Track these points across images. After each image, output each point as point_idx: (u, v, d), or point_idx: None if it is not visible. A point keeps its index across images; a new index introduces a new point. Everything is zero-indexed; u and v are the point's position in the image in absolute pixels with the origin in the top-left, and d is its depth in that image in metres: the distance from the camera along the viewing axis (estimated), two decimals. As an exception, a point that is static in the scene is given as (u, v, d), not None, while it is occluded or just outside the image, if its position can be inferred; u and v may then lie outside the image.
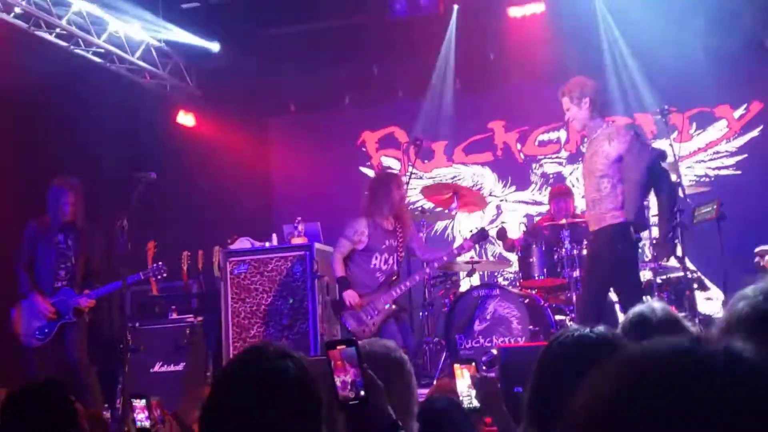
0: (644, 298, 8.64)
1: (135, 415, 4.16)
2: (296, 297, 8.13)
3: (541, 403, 2.26)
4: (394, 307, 7.60)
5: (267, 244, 8.63)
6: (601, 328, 2.35)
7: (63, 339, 7.57)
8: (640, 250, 8.63)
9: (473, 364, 3.46)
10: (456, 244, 9.08)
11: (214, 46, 10.91)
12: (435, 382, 7.18)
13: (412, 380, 2.83)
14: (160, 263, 8.11)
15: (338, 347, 2.37)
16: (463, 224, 10.76)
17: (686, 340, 0.97)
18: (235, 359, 2.24)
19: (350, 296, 7.49)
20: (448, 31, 10.74)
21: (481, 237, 7.92)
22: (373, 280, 7.61)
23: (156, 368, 8.37)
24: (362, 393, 2.34)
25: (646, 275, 8.78)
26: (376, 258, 7.62)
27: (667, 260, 6.61)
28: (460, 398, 3.44)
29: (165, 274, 8.20)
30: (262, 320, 8.18)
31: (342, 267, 7.61)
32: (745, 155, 10.47)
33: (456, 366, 3.50)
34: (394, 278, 7.64)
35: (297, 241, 8.44)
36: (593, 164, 6.43)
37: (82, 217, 7.72)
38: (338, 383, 2.35)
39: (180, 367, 8.37)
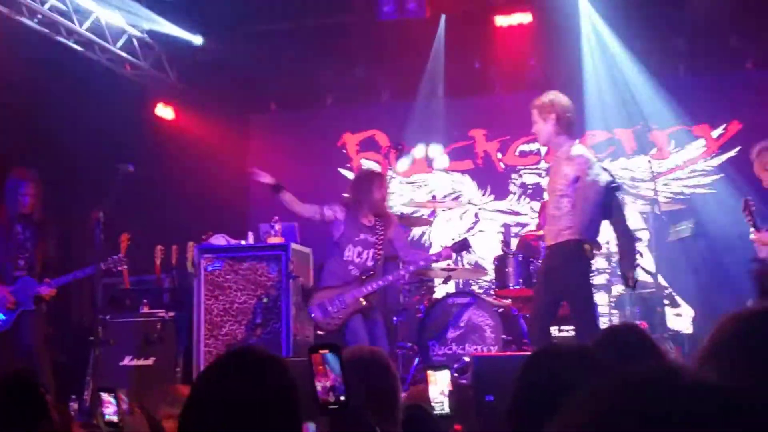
0: (612, 311, 8.71)
1: (103, 408, 4.11)
2: (270, 296, 8.08)
3: (523, 416, 2.26)
4: (364, 303, 7.55)
5: (243, 242, 8.58)
6: (582, 343, 2.36)
7: (19, 326, 7.54)
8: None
9: (447, 370, 3.46)
10: (434, 251, 9.08)
11: (197, 39, 10.85)
12: (409, 389, 7.17)
13: (398, 386, 2.83)
14: (121, 255, 8.06)
15: (321, 351, 2.37)
16: (441, 231, 10.77)
17: (665, 371, 0.97)
18: (217, 362, 2.22)
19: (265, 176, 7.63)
20: (435, 37, 10.72)
21: (462, 247, 7.91)
22: (346, 273, 7.55)
23: (125, 362, 8.32)
24: (342, 398, 2.33)
25: (618, 290, 8.85)
26: (350, 250, 7.57)
27: (634, 286, 6.68)
28: (432, 404, 3.44)
29: (125, 266, 8.15)
30: (235, 318, 8.13)
31: (295, 203, 7.66)
32: (722, 175, 10.54)
33: (429, 372, 3.50)
34: (368, 275, 7.59)
35: (273, 240, 8.41)
36: (554, 183, 6.53)
37: (40, 209, 7.69)
38: (319, 387, 2.34)
39: (150, 361, 8.33)
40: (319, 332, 7.75)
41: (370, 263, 7.60)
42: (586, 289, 6.56)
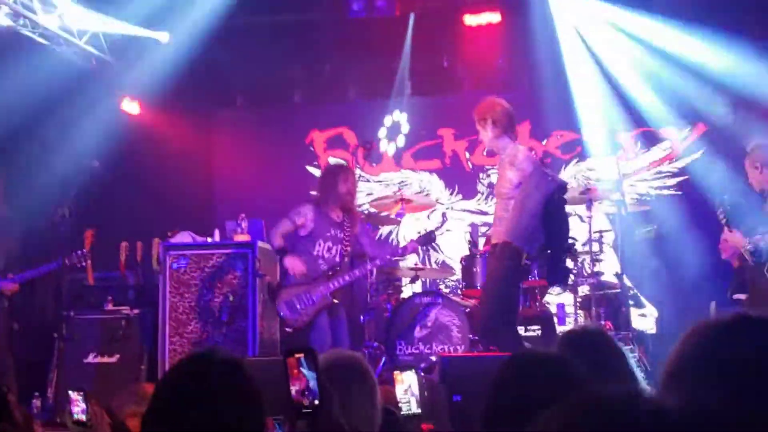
0: (578, 311, 8.74)
1: (71, 407, 4.07)
2: (236, 294, 8.04)
3: (498, 423, 2.27)
4: (334, 300, 7.53)
5: (209, 240, 8.53)
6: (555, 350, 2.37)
7: None
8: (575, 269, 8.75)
9: (413, 370, 3.46)
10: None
11: (163, 37, 10.77)
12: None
13: (376, 391, 2.83)
14: (85, 250, 7.99)
15: (296, 355, 2.38)
16: (409, 230, 10.77)
17: (627, 397, 1.04)
18: (180, 363, 2.21)
19: (292, 263, 7.45)
20: (406, 35, 10.70)
21: (427, 240, 7.94)
22: (315, 268, 7.55)
23: (89, 359, 8.25)
24: (316, 402, 2.34)
25: (583, 290, 8.90)
26: (320, 245, 7.57)
27: (563, 288, 6.74)
28: (399, 405, 3.45)
29: (89, 262, 8.08)
30: (200, 316, 8.08)
31: (281, 241, 7.57)
32: (687, 177, 10.64)
33: (395, 372, 3.50)
34: (335, 270, 7.58)
35: (240, 238, 8.36)
36: (500, 187, 6.64)
37: (2, 204, 7.60)
38: (293, 391, 2.35)
39: (114, 359, 8.27)
40: (287, 329, 7.72)
41: (338, 259, 7.61)
42: (496, 284, 6.57)
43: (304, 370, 2.35)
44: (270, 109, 11.83)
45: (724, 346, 1.66)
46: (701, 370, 1.65)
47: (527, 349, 2.31)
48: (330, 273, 7.53)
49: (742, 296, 7.85)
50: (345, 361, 2.77)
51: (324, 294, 7.48)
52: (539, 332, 8.70)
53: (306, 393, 2.34)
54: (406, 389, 3.42)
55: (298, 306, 7.42)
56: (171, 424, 2.05)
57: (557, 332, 8.80)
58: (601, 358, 2.96)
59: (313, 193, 7.82)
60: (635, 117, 10.50)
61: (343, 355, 2.84)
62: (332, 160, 11.52)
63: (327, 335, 7.45)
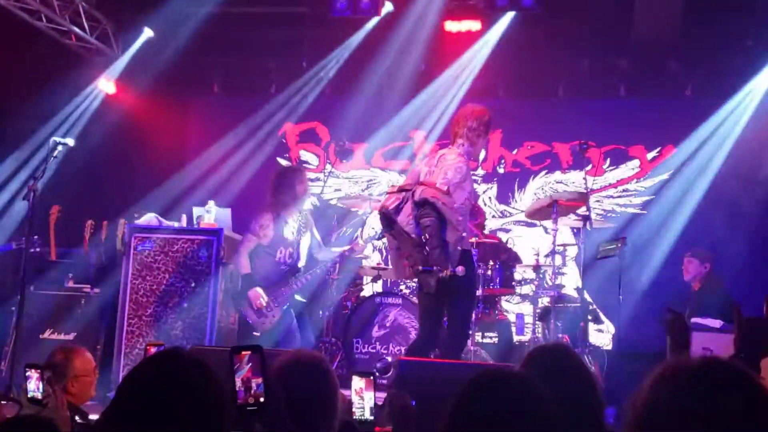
0: (536, 323, 8.83)
1: (28, 384, 4.07)
2: (198, 281, 8.03)
3: None
4: (302, 300, 7.56)
5: (176, 224, 8.51)
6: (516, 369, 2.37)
7: None
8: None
9: (372, 377, 3.48)
10: (367, 250, 9.11)
11: (148, 33, 10.76)
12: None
13: (337, 393, 2.85)
14: (35, 237, 7.95)
15: (243, 353, 2.38)
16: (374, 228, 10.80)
17: None
18: (142, 365, 2.21)
19: (255, 297, 7.39)
20: (387, 36, 10.69)
21: (373, 237, 7.94)
22: (278, 274, 7.56)
23: (46, 335, 8.21)
24: (262, 400, 2.35)
25: (543, 302, 8.98)
26: (281, 252, 7.56)
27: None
28: (354, 409, 3.47)
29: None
30: (161, 300, 8.05)
31: (247, 263, 7.50)
32: (653, 196, 10.76)
33: (354, 377, 3.52)
34: (297, 272, 7.60)
35: (206, 224, 8.36)
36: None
37: None
38: (239, 389, 2.35)
39: (71, 336, 8.23)
40: (254, 333, 7.71)
41: (299, 261, 7.62)
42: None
43: (251, 368, 2.36)
44: (245, 98, 11.78)
45: (695, 398, 1.67)
46: (673, 421, 1.65)
47: (490, 368, 2.25)
48: (294, 275, 7.53)
49: (700, 320, 7.98)
50: (308, 360, 2.78)
51: (288, 295, 7.49)
52: (496, 339, 8.78)
53: (252, 390, 2.34)
54: (362, 395, 3.44)
55: (264, 310, 7.42)
56: (132, 423, 2.05)
57: (514, 341, 8.89)
58: (567, 377, 2.97)
59: (268, 193, 7.69)
60: (606, 133, 10.61)
61: (306, 354, 2.85)
62: (303, 155, 11.54)
63: (294, 337, 7.46)
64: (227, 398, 2.13)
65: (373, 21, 10.45)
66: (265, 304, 7.39)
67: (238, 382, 2.36)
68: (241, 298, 7.53)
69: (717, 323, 7.80)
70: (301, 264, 7.66)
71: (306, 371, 2.59)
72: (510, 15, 10.12)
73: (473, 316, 7.66)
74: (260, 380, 2.36)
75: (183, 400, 2.04)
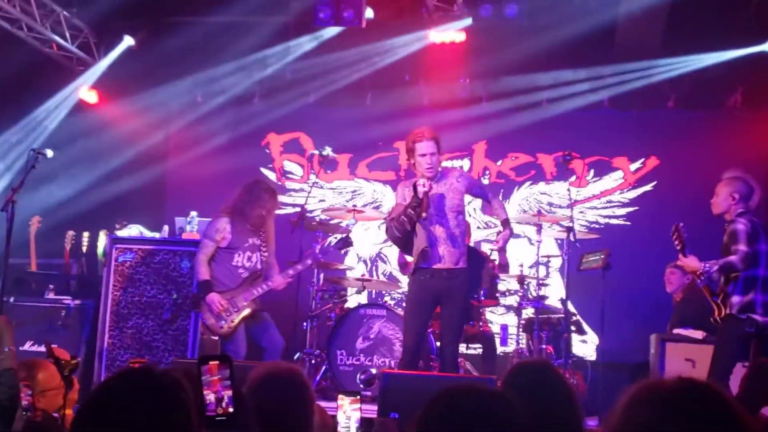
0: (520, 334, 8.81)
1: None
2: (180, 293, 7.97)
3: None
4: (254, 305, 7.45)
5: (157, 235, 8.45)
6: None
7: None
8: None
9: (358, 396, 3.44)
10: (351, 260, 9.07)
11: (129, 41, 10.72)
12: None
13: (313, 406, 2.81)
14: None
15: (211, 362, 2.34)
16: (359, 240, 10.76)
17: None
18: (111, 381, 2.17)
19: (213, 302, 7.32)
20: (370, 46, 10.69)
21: (344, 244, 7.85)
22: (235, 278, 7.45)
23: (26, 347, 8.12)
24: (231, 410, 2.31)
25: (528, 313, 8.96)
26: (239, 255, 7.47)
27: None
28: (339, 429, 3.43)
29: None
30: (143, 312, 7.99)
31: (206, 269, 7.42)
32: (636, 208, 10.79)
33: (340, 396, 3.48)
34: (256, 277, 7.50)
35: (188, 236, 8.30)
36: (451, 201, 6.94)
37: None
38: (207, 399, 2.31)
39: (51, 349, 8.13)
40: (213, 337, 7.64)
41: (259, 266, 7.53)
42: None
43: (219, 378, 2.32)
44: (228, 108, 11.70)
45: (670, 422, 1.66)
46: None
47: (456, 384, 2.16)
48: (252, 280, 7.45)
49: (682, 330, 7.98)
50: (283, 374, 2.74)
51: (248, 300, 7.39)
52: (480, 350, 8.77)
53: (220, 401, 2.31)
54: (349, 415, 3.40)
55: (223, 314, 7.32)
56: None
57: (498, 352, 8.87)
58: (546, 394, 2.94)
59: (233, 197, 7.59)
60: (589, 145, 10.62)
61: (282, 368, 2.80)
62: (287, 165, 11.50)
63: (243, 344, 7.41)
64: (194, 423, 2.09)
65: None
66: (223, 309, 7.31)
67: (207, 393, 2.33)
68: (199, 302, 7.44)
69: (699, 334, 7.80)
70: (261, 269, 7.54)
71: (280, 384, 2.54)
72: (494, 25, 10.10)
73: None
74: (230, 391, 2.33)
75: (143, 426, 1.99)
